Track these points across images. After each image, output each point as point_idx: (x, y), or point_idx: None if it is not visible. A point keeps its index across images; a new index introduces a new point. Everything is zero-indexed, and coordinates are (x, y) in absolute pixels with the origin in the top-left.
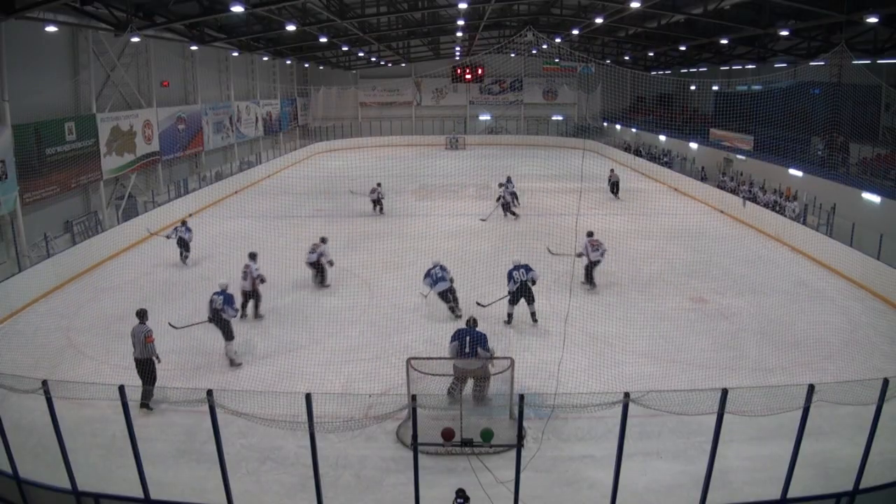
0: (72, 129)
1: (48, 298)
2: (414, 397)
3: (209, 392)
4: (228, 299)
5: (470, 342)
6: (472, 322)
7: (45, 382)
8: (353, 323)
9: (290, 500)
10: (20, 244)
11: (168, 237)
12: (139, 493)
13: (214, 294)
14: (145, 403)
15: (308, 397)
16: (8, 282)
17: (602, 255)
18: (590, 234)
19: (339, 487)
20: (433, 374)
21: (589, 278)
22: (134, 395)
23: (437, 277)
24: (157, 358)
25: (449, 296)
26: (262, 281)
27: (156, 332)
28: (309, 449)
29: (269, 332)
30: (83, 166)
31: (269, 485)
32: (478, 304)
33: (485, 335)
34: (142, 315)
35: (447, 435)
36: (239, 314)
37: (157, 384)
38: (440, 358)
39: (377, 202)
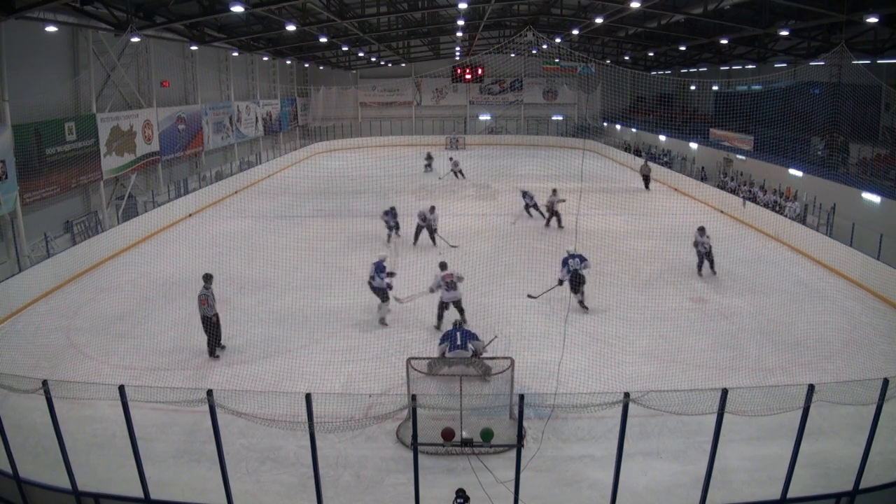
0: (72, 129)
1: (48, 298)
2: (414, 397)
3: (209, 392)
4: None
5: (460, 337)
6: (457, 324)
7: (45, 382)
8: (353, 323)
9: (290, 500)
10: (20, 244)
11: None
12: (139, 493)
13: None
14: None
15: (308, 397)
16: (8, 282)
17: (458, 295)
18: (443, 266)
19: (339, 487)
20: (433, 375)
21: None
22: (134, 395)
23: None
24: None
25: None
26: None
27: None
28: (309, 449)
29: (270, 332)
30: (83, 166)
31: (269, 485)
32: (529, 296)
33: (474, 333)
34: (208, 279)
35: (447, 435)
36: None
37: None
38: (440, 358)
39: (433, 231)
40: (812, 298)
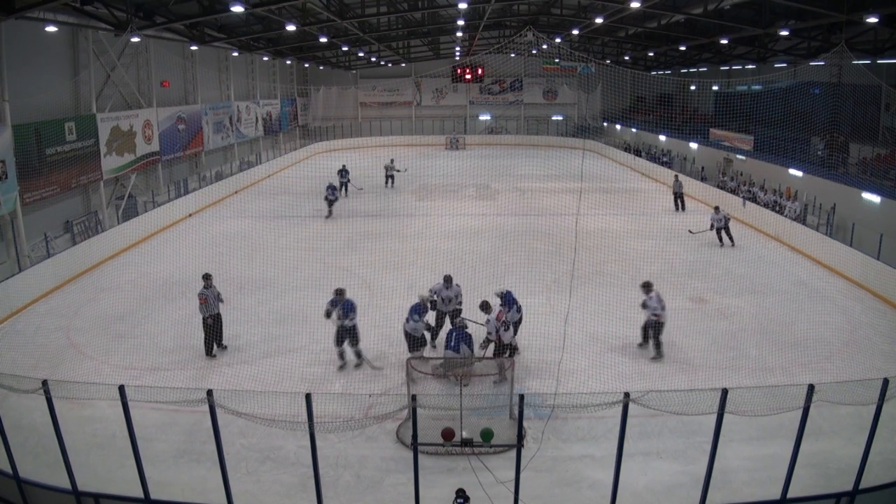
0: (72, 129)
1: (48, 298)
2: (414, 397)
3: (209, 392)
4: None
5: (455, 338)
6: (457, 325)
7: (45, 382)
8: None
9: (290, 500)
10: (20, 244)
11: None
12: (139, 493)
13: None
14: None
15: (308, 397)
16: (8, 282)
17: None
18: (486, 307)
19: (339, 487)
20: (434, 375)
21: (511, 352)
22: (134, 395)
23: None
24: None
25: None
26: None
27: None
28: (309, 449)
29: (270, 332)
30: (83, 166)
31: (269, 485)
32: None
33: (470, 335)
34: (207, 278)
35: (447, 435)
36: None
37: (156, 385)
38: (440, 358)
39: (391, 177)
40: (812, 298)
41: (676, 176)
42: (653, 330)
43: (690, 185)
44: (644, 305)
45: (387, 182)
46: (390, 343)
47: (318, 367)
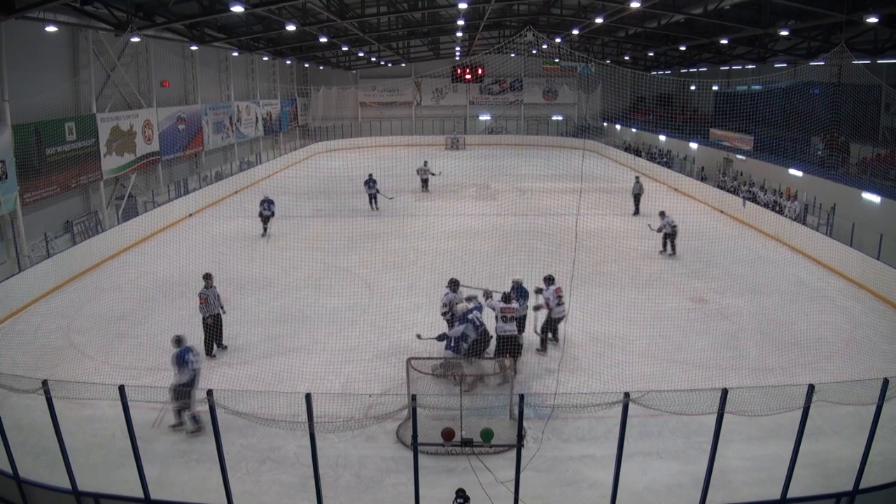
0: (72, 129)
1: (48, 298)
2: (414, 397)
3: (209, 392)
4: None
5: (456, 338)
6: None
7: (45, 382)
8: (353, 323)
9: (290, 500)
10: (20, 244)
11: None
12: (139, 493)
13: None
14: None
15: (308, 397)
16: (8, 282)
17: (564, 310)
18: (550, 280)
19: (339, 487)
20: (434, 375)
21: (553, 332)
22: (134, 395)
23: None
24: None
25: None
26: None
27: None
28: (309, 449)
29: (270, 332)
30: (83, 166)
31: (269, 485)
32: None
33: (469, 335)
34: (208, 278)
35: (447, 435)
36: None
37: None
38: (440, 358)
39: (426, 181)
40: (812, 298)
41: (637, 178)
42: (547, 324)
43: (691, 185)
44: (538, 294)
45: (423, 186)
46: (390, 343)
47: (318, 367)
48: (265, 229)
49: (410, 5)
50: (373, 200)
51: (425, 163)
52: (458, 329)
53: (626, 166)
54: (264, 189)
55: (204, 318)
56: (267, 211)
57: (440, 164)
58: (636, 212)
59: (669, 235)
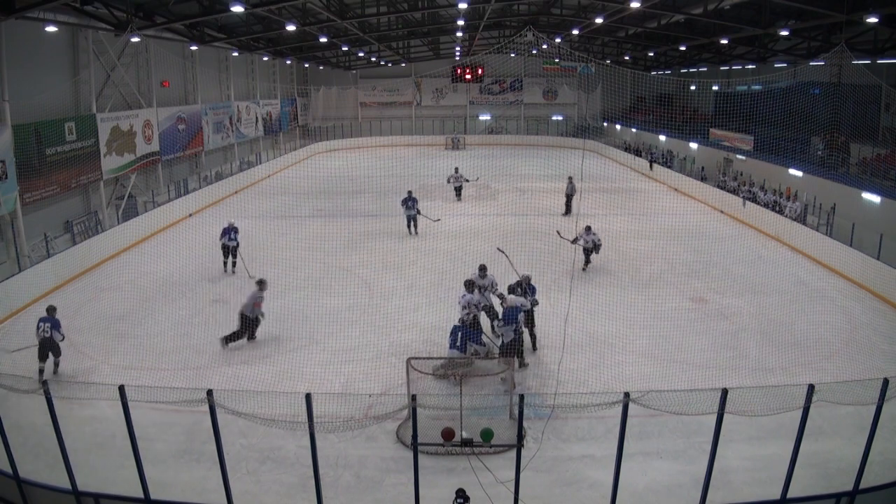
0: (72, 129)
1: (48, 298)
2: (414, 397)
3: (209, 392)
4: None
5: (461, 336)
6: (464, 322)
7: (45, 382)
8: (353, 323)
9: (290, 500)
10: (20, 244)
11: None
12: (139, 493)
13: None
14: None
15: (308, 397)
16: (8, 282)
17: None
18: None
19: (339, 487)
20: (434, 375)
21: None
22: (134, 395)
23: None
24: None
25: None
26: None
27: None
28: (309, 449)
29: (269, 332)
30: (83, 166)
31: (269, 485)
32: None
33: (478, 333)
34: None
35: (447, 435)
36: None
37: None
38: (440, 358)
39: (459, 188)
40: (812, 298)
41: (570, 178)
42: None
43: (691, 185)
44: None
45: (457, 195)
46: (390, 343)
47: (318, 367)
48: (227, 263)
49: (410, 5)
50: (411, 223)
51: (456, 169)
52: (508, 329)
53: (627, 166)
54: (231, 211)
55: (248, 316)
56: (231, 241)
57: (441, 164)
58: (567, 212)
59: (588, 250)
